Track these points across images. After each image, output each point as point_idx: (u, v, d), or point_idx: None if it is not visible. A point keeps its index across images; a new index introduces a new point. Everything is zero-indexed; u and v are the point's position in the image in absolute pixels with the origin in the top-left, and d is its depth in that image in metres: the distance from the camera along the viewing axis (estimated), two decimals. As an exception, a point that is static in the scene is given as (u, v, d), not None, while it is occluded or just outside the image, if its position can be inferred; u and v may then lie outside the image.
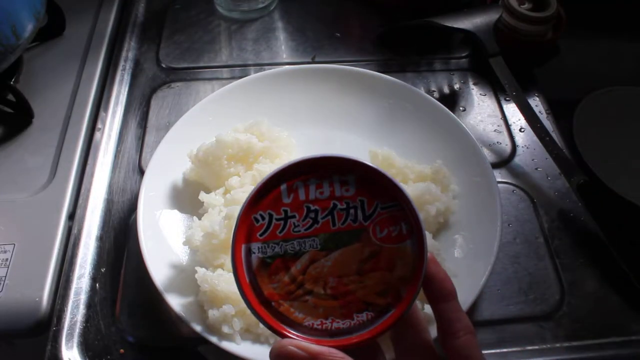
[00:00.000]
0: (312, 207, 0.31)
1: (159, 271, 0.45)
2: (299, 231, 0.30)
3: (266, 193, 0.31)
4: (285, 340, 0.29)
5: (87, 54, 0.67)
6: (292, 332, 0.30)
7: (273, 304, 0.30)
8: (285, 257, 0.30)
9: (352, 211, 0.30)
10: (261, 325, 0.43)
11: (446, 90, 0.67)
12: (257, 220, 0.31)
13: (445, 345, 0.31)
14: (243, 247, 0.30)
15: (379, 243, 0.30)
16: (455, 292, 0.32)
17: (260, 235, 0.30)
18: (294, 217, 0.31)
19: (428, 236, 0.45)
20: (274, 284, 0.30)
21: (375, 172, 0.31)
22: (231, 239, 0.30)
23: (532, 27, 0.65)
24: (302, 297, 0.30)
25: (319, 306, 0.30)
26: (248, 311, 0.42)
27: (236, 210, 0.45)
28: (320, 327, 0.30)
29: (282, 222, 0.30)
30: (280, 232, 0.30)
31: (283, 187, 0.31)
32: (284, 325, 0.30)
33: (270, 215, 0.31)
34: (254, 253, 0.30)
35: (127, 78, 0.67)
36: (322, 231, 0.30)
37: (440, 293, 0.31)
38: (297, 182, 0.31)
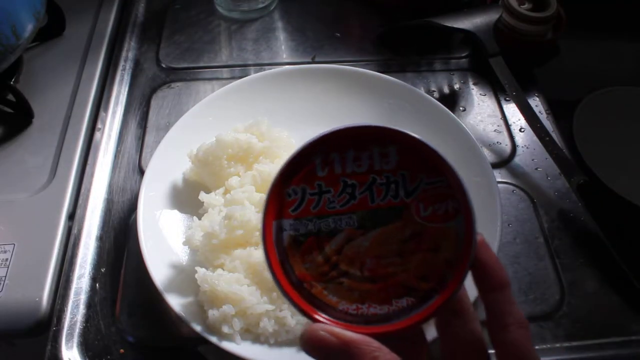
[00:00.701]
0: (349, 182, 0.28)
1: (159, 271, 0.45)
2: (334, 207, 0.28)
3: (299, 166, 0.28)
4: (317, 325, 0.27)
5: (87, 54, 0.67)
6: (325, 316, 0.27)
7: (305, 285, 0.28)
8: (319, 235, 0.28)
9: (392, 186, 0.28)
10: (262, 324, 0.43)
11: (446, 90, 0.67)
12: (289, 195, 0.28)
13: (495, 339, 0.28)
14: (274, 223, 0.28)
15: (422, 222, 0.28)
16: (509, 282, 0.29)
17: (293, 211, 0.28)
18: (329, 192, 0.28)
19: None
20: (306, 264, 0.28)
21: (419, 143, 0.28)
22: (261, 215, 0.28)
23: (532, 27, 0.65)
24: (337, 279, 0.28)
25: (355, 289, 0.28)
26: (248, 311, 0.43)
27: (236, 210, 0.45)
28: (355, 312, 0.27)
29: (316, 197, 0.28)
30: (314, 208, 0.28)
31: (318, 159, 0.28)
32: (316, 308, 0.27)
33: (304, 190, 0.28)
34: (285, 230, 0.28)
35: (127, 78, 0.67)
36: (359, 208, 0.28)
37: (491, 282, 0.28)
38: (333, 154, 0.28)
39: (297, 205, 0.28)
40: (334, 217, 0.28)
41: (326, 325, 0.27)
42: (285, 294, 0.28)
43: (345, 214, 0.28)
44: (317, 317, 0.27)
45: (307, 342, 0.26)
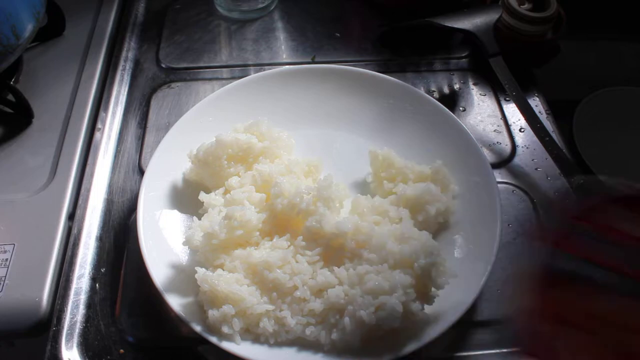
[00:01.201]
0: None
1: (159, 271, 0.45)
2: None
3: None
4: None
5: (87, 54, 0.67)
6: None
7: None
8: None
9: None
10: (262, 324, 0.43)
11: (446, 90, 0.67)
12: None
13: None
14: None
15: None
16: None
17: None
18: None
19: (427, 236, 0.45)
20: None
21: None
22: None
23: (532, 27, 0.65)
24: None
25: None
26: (248, 311, 0.43)
27: (236, 210, 0.45)
28: None
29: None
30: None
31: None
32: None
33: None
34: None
35: (127, 78, 0.67)
36: None
37: None
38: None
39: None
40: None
41: None
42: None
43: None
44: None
45: None
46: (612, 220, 0.25)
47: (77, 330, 0.46)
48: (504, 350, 0.46)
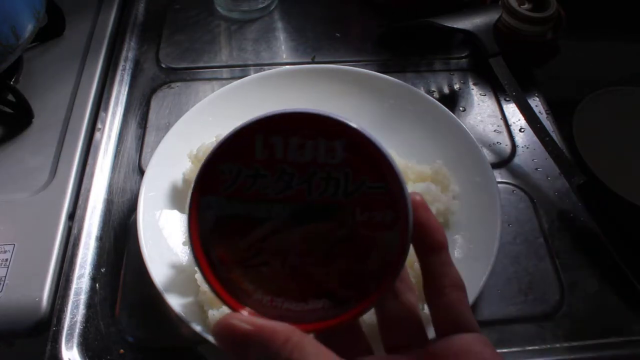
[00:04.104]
0: (288, 170, 0.26)
1: (159, 271, 0.45)
2: (268, 194, 0.26)
3: (239, 144, 0.26)
4: (231, 314, 0.25)
5: (87, 54, 0.67)
6: (238, 303, 0.26)
7: (223, 267, 0.26)
8: (247, 219, 0.26)
9: (332, 183, 0.26)
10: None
11: (446, 90, 0.67)
12: (223, 172, 0.26)
13: (431, 303, 0.28)
14: (202, 199, 0.26)
15: (356, 226, 0.26)
16: (446, 244, 0.28)
17: (224, 190, 0.26)
18: (265, 176, 0.26)
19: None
20: (228, 247, 0.26)
21: (370, 143, 0.26)
22: (191, 188, 0.26)
23: (532, 27, 0.65)
24: (256, 267, 0.26)
25: (273, 281, 0.26)
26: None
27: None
28: (269, 304, 0.26)
29: (250, 179, 0.26)
30: (246, 190, 0.26)
31: (259, 139, 0.26)
32: (230, 294, 0.26)
33: (239, 170, 0.26)
34: (213, 208, 0.26)
35: (127, 78, 0.67)
36: (293, 199, 0.26)
37: (428, 244, 0.28)
38: (277, 137, 0.26)
39: (230, 184, 0.26)
40: (265, 204, 0.26)
41: (239, 314, 0.25)
42: (203, 273, 0.26)
43: (277, 203, 0.26)
44: (229, 301, 0.26)
45: (220, 333, 0.25)
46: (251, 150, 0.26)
47: (77, 330, 0.46)
48: (504, 350, 0.46)
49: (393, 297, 0.28)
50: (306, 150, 0.26)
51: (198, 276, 0.44)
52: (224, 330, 0.25)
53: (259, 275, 0.26)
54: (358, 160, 0.26)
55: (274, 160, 0.26)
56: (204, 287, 0.43)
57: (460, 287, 0.27)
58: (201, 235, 0.26)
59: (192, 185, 0.27)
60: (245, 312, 0.26)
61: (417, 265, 0.29)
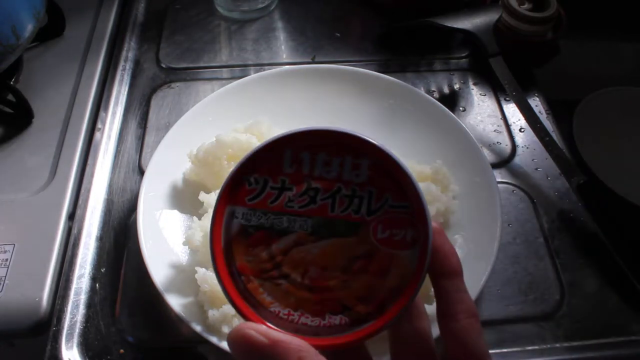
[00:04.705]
0: (314, 185, 0.27)
1: (159, 271, 0.45)
2: (292, 207, 0.27)
3: (268, 157, 0.27)
4: (247, 324, 0.26)
5: (87, 54, 0.67)
6: (255, 314, 0.26)
7: (243, 277, 0.27)
8: (269, 230, 0.27)
9: (356, 200, 0.27)
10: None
11: (446, 90, 0.67)
12: (250, 183, 0.27)
13: (443, 330, 0.28)
14: (227, 208, 0.27)
15: (376, 244, 0.27)
16: (461, 270, 0.28)
17: (249, 200, 0.27)
18: (290, 189, 0.27)
19: None
20: (249, 257, 0.27)
21: (394, 163, 0.27)
22: (217, 197, 0.27)
23: (532, 27, 0.65)
24: (276, 279, 0.27)
25: (292, 294, 0.27)
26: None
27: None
28: (286, 317, 0.26)
29: (276, 192, 0.27)
30: (271, 203, 0.27)
31: (287, 153, 0.27)
32: (247, 304, 0.27)
33: (266, 181, 0.27)
34: (237, 218, 0.27)
35: (127, 78, 0.67)
36: (317, 214, 0.27)
37: (442, 268, 0.28)
38: (305, 152, 0.27)
39: (255, 196, 0.27)
40: (289, 217, 0.27)
41: (255, 325, 0.26)
42: (221, 282, 0.27)
43: (301, 217, 0.27)
44: (245, 312, 0.26)
45: (235, 341, 0.25)
46: (276, 165, 0.27)
47: (77, 330, 0.46)
48: (504, 350, 0.46)
49: (407, 321, 0.28)
50: (332, 167, 0.27)
51: (198, 276, 0.44)
52: (239, 339, 0.25)
53: (278, 287, 0.27)
54: (382, 179, 0.27)
55: (301, 175, 0.27)
56: (204, 287, 0.43)
57: (474, 314, 0.27)
58: (224, 244, 0.27)
59: (218, 193, 0.27)
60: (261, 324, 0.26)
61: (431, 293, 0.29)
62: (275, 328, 0.26)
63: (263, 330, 0.25)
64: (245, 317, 0.27)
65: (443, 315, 0.28)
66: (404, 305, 0.26)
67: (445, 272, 0.28)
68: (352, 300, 0.27)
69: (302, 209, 0.27)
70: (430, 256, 0.26)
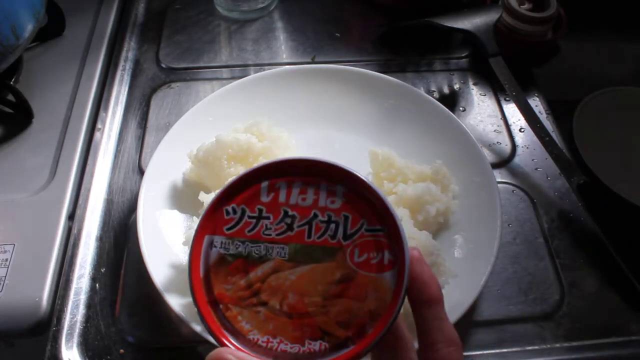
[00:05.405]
0: (290, 212, 0.28)
1: (159, 271, 0.45)
2: (270, 235, 0.28)
3: (245, 187, 0.28)
4: (225, 349, 0.26)
5: (87, 54, 0.67)
6: (233, 342, 0.27)
7: (221, 306, 0.27)
8: (247, 259, 0.27)
9: (332, 226, 0.27)
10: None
11: (446, 90, 0.67)
12: (228, 213, 0.28)
13: (423, 358, 0.27)
14: (206, 237, 0.28)
15: (354, 268, 0.27)
16: (441, 298, 0.28)
17: (227, 229, 0.28)
18: (267, 218, 0.28)
19: (427, 236, 0.45)
20: (227, 285, 0.27)
21: (368, 188, 0.28)
22: (195, 227, 0.28)
23: (532, 27, 0.65)
24: (254, 307, 0.27)
25: (270, 321, 0.27)
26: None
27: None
28: (265, 344, 0.27)
29: (254, 220, 0.28)
30: (249, 232, 0.28)
31: (264, 184, 0.28)
32: (226, 332, 0.27)
33: (243, 211, 0.28)
34: (216, 247, 0.28)
35: (127, 78, 0.67)
36: (294, 240, 0.27)
37: (421, 296, 0.28)
38: (281, 182, 0.28)
39: (234, 225, 0.28)
40: (266, 244, 0.28)
41: (234, 351, 0.26)
42: (199, 310, 0.27)
43: (278, 244, 0.28)
44: (224, 341, 0.27)
45: None
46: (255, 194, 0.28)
47: (77, 330, 0.46)
48: (504, 350, 0.46)
49: (392, 352, 0.28)
50: (308, 195, 0.28)
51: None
52: None
53: (257, 315, 0.27)
54: (357, 204, 0.28)
55: (277, 204, 0.28)
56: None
57: (454, 342, 0.27)
58: (202, 273, 0.28)
59: (196, 224, 0.28)
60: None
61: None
62: (255, 356, 0.26)
63: (242, 357, 0.25)
64: (221, 344, 0.27)
65: (423, 344, 0.28)
66: (383, 327, 0.26)
67: (424, 300, 0.28)
68: (331, 325, 0.27)
69: (279, 237, 0.28)
70: (408, 277, 0.26)
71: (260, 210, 0.28)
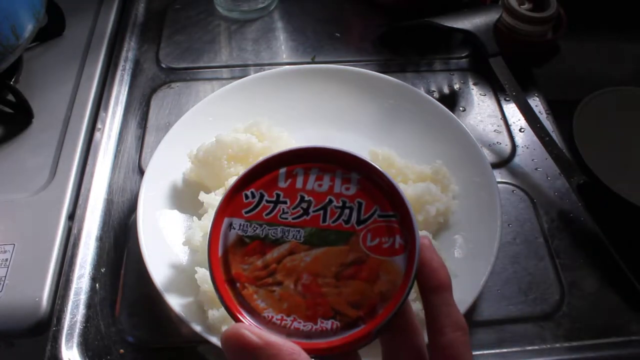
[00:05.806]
0: (306, 198, 0.29)
1: (159, 271, 0.45)
2: (286, 219, 0.29)
3: (263, 172, 0.30)
4: (240, 325, 0.27)
5: (87, 54, 0.67)
6: (249, 319, 0.28)
7: (238, 285, 0.28)
8: (264, 241, 0.29)
9: (346, 211, 0.29)
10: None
11: (446, 90, 0.67)
12: (247, 197, 0.30)
13: (431, 343, 0.28)
14: (225, 219, 0.29)
15: (366, 251, 0.28)
16: (450, 284, 0.29)
17: (246, 212, 0.29)
18: (285, 202, 0.29)
19: (427, 236, 0.45)
20: (244, 265, 0.29)
21: (381, 176, 0.29)
22: (215, 209, 0.29)
23: (532, 27, 0.65)
24: (270, 286, 0.28)
25: (284, 300, 0.28)
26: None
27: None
28: (279, 322, 0.28)
29: (271, 204, 0.29)
30: (266, 215, 0.29)
31: (282, 170, 0.30)
32: (242, 309, 0.28)
33: (262, 195, 0.30)
34: (234, 228, 0.29)
35: (127, 78, 0.67)
36: (310, 224, 0.29)
37: (431, 282, 0.28)
38: (298, 168, 0.30)
39: (252, 208, 0.29)
40: (283, 228, 0.29)
41: (249, 326, 0.27)
42: (217, 288, 0.28)
43: (294, 227, 0.29)
44: (239, 316, 0.28)
45: (228, 339, 0.26)
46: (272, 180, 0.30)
47: (77, 330, 0.46)
48: (504, 350, 0.46)
49: (401, 337, 0.29)
50: (324, 181, 0.30)
51: (198, 276, 0.44)
52: (233, 339, 0.26)
53: (272, 294, 0.28)
54: (371, 191, 0.29)
55: (294, 189, 0.29)
56: (204, 287, 0.43)
57: (461, 327, 0.28)
58: (221, 253, 0.29)
59: (217, 206, 0.29)
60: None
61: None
62: (269, 331, 0.27)
63: (257, 332, 0.26)
64: (237, 320, 0.28)
65: (431, 328, 0.28)
66: (393, 308, 0.27)
67: (433, 286, 0.28)
68: (343, 305, 0.28)
69: (295, 220, 0.29)
70: (419, 261, 0.28)
71: (278, 195, 0.29)
